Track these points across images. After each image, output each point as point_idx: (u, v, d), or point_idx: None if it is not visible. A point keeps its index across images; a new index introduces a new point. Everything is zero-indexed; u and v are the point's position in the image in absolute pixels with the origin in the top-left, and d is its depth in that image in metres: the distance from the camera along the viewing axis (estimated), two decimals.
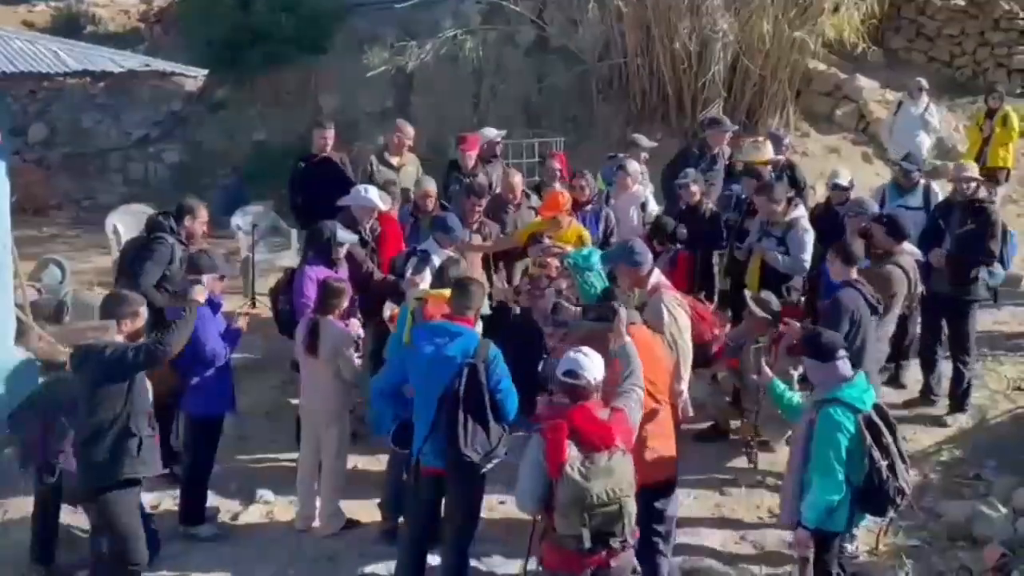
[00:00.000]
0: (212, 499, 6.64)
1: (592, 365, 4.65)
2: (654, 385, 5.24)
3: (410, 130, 9.21)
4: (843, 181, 8.44)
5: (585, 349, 4.76)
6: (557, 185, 8.63)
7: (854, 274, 6.52)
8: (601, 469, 4.41)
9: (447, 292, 5.73)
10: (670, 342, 5.87)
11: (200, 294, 5.96)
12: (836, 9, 12.61)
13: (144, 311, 5.61)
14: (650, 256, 6.29)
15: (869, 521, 5.58)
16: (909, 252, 7.36)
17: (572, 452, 4.42)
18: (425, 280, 6.70)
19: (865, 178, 11.95)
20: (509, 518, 6.49)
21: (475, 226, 7.96)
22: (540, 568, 4.78)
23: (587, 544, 4.42)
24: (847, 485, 5.03)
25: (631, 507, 4.51)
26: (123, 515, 5.42)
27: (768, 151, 9.09)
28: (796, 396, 5.86)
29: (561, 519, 4.46)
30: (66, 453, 5.67)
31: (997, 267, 7.90)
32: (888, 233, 7.18)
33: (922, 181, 8.62)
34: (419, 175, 8.89)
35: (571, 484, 4.37)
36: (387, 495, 6.39)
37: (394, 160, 8.99)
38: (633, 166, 8.89)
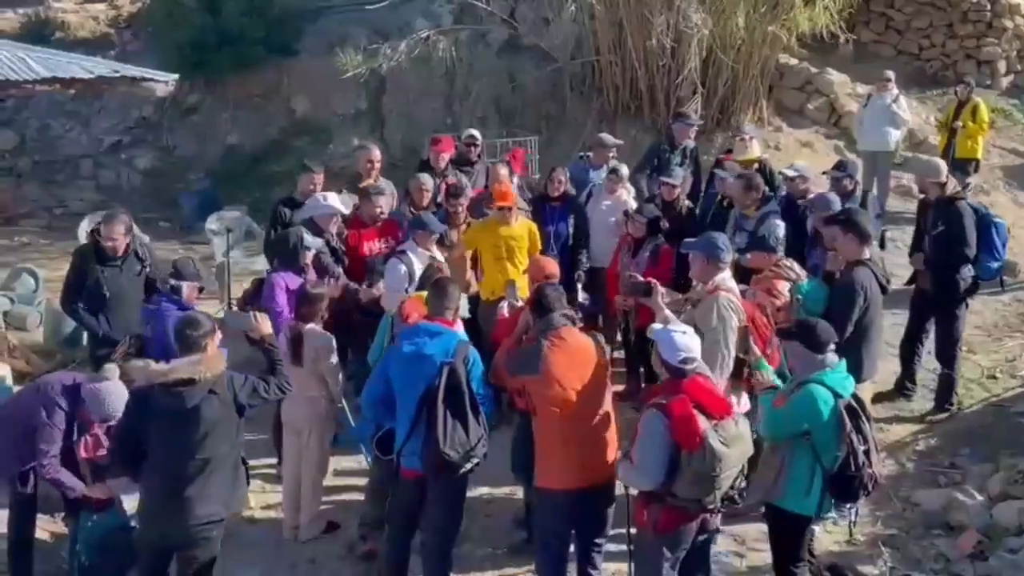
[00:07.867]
0: None
1: (695, 343, 4.80)
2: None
3: (378, 153, 8.79)
4: (790, 172, 8.43)
5: (683, 327, 4.89)
6: (503, 172, 8.43)
7: (867, 253, 6.43)
8: (734, 436, 4.56)
9: (424, 294, 5.72)
10: (712, 345, 5.54)
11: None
12: (807, 3, 12.66)
13: None
14: (729, 257, 6.02)
15: (836, 512, 5.57)
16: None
17: (703, 423, 4.50)
18: (399, 285, 6.69)
19: None
20: (492, 518, 6.51)
21: (463, 228, 7.84)
22: (646, 535, 4.83)
23: (716, 505, 4.62)
24: (819, 469, 5.03)
25: (745, 469, 4.72)
26: None
27: (755, 150, 9.09)
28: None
29: (689, 486, 4.55)
30: (49, 464, 5.52)
31: (988, 259, 7.65)
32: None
33: (859, 189, 8.53)
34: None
35: (711, 452, 4.45)
36: (367, 510, 6.28)
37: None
38: (625, 170, 8.83)
